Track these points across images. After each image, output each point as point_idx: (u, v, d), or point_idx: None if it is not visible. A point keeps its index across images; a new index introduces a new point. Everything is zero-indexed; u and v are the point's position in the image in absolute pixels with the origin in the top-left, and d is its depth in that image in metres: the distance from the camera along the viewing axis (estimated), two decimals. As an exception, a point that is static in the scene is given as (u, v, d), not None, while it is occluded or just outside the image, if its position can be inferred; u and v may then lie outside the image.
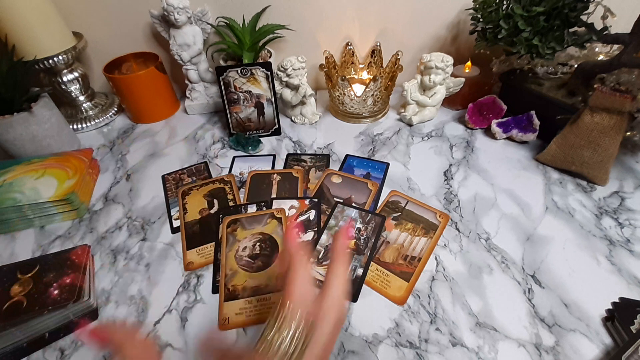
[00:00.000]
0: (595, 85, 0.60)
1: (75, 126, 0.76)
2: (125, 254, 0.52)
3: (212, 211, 0.56)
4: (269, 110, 0.70)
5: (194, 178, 0.63)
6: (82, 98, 0.77)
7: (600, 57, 0.66)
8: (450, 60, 0.66)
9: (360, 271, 0.47)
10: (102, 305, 0.46)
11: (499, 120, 0.67)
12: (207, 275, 0.48)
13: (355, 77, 0.82)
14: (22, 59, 0.64)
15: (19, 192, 0.55)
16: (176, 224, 0.55)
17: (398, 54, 0.72)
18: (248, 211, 0.55)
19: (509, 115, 0.67)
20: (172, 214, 0.57)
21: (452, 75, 0.69)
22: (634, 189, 0.56)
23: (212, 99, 0.79)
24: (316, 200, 0.56)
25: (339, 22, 0.77)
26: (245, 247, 0.50)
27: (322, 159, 0.65)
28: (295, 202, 0.56)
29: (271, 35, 0.73)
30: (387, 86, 0.70)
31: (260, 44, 0.73)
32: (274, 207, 0.55)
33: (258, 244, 0.50)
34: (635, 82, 0.59)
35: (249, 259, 0.48)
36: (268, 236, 0.51)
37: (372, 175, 0.61)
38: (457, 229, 0.52)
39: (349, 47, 0.79)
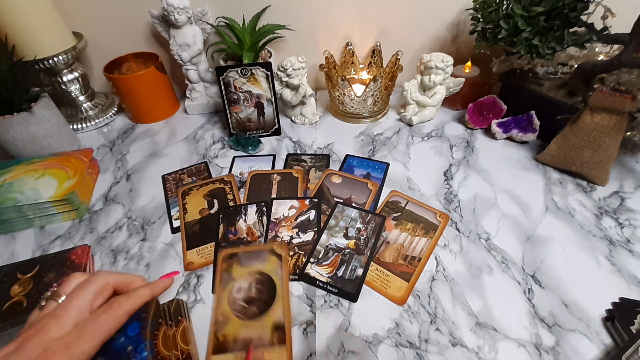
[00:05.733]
0: (595, 86, 0.60)
1: (75, 126, 0.76)
2: (125, 254, 0.52)
3: (212, 211, 0.56)
4: (269, 110, 0.70)
5: (194, 178, 0.63)
6: (82, 98, 0.77)
7: (600, 57, 0.66)
8: (450, 60, 0.66)
9: (360, 271, 0.47)
10: (102, 305, 0.46)
11: (499, 120, 0.67)
12: (207, 275, 0.48)
13: (355, 77, 0.82)
14: (22, 59, 0.64)
15: (19, 192, 0.55)
16: (176, 224, 0.55)
17: (398, 54, 0.72)
18: (248, 212, 0.55)
19: (509, 115, 0.67)
20: (172, 214, 0.57)
21: (452, 75, 0.69)
22: (634, 189, 0.56)
23: (212, 99, 0.79)
24: (316, 200, 0.56)
25: (339, 22, 0.77)
26: (240, 289, 0.45)
27: (322, 159, 0.65)
28: (295, 202, 0.56)
29: (271, 35, 0.73)
30: (387, 86, 0.70)
31: (260, 44, 0.73)
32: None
33: (254, 284, 0.45)
34: (635, 82, 0.59)
35: (243, 304, 0.43)
36: (266, 277, 0.45)
37: (372, 175, 0.61)
38: (457, 229, 0.52)
39: (349, 47, 0.79)
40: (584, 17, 0.55)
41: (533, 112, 0.64)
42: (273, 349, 0.39)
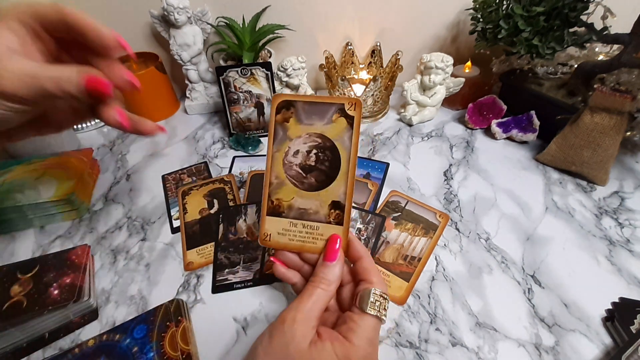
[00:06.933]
0: (595, 85, 0.60)
1: (75, 126, 0.76)
2: (125, 254, 0.52)
3: (212, 211, 0.56)
4: (269, 110, 0.70)
5: (194, 178, 0.63)
6: (82, 98, 0.77)
7: (600, 57, 0.66)
8: (450, 60, 0.66)
9: (360, 271, 0.47)
10: (102, 305, 0.46)
11: (499, 120, 0.67)
12: (207, 275, 0.48)
13: (355, 77, 0.82)
14: (22, 59, 0.64)
15: (19, 192, 0.55)
16: (176, 224, 0.55)
17: (398, 54, 0.72)
18: (248, 211, 0.55)
19: (509, 115, 0.68)
20: (172, 214, 0.57)
21: (452, 75, 0.69)
22: (634, 189, 0.56)
23: (212, 99, 0.79)
24: (316, 200, 0.56)
25: (339, 22, 0.77)
26: (297, 152, 0.37)
27: (322, 159, 0.65)
28: (295, 202, 0.56)
29: (271, 35, 0.73)
30: (387, 86, 0.70)
31: (260, 44, 0.73)
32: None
33: (314, 151, 0.37)
34: (635, 82, 0.59)
35: (299, 170, 0.36)
36: (330, 143, 0.36)
37: (372, 175, 0.61)
38: (457, 229, 0.52)
39: (349, 47, 0.79)
40: (584, 17, 0.55)
41: (533, 112, 0.64)
42: (329, 226, 0.35)
